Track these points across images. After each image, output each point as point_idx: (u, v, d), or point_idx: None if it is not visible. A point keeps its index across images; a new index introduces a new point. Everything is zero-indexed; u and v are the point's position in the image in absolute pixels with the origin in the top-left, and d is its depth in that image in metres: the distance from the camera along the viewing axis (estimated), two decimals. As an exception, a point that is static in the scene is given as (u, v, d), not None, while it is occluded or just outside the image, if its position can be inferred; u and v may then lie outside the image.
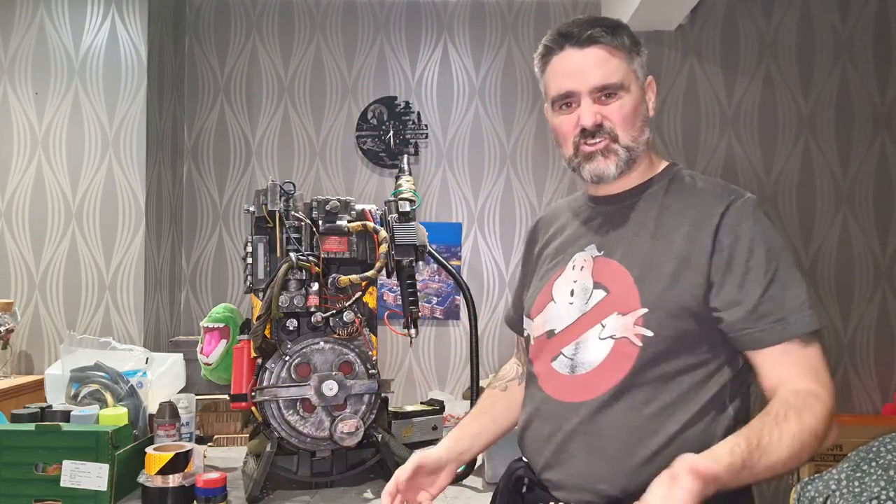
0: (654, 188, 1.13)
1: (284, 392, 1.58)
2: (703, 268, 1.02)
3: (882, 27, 3.20)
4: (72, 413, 1.66)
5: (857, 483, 2.46)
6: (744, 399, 1.08)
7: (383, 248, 1.66)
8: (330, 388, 1.58)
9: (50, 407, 1.73)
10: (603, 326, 1.06)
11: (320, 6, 3.51)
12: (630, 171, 1.13)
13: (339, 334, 1.64)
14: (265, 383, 1.59)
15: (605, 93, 1.10)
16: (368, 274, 1.64)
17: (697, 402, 1.03)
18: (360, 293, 1.66)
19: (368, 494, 1.61)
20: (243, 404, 1.61)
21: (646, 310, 1.03)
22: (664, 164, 1.17)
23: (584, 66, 1.10)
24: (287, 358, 1.60)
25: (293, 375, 1.60)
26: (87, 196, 3.06)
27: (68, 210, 3.06)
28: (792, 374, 0.98)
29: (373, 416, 1.64)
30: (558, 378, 1.11)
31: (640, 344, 1.03)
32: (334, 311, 1.63)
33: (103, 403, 1.74)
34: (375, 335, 1.74)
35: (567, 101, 1.13)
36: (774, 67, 3.20)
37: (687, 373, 1.03)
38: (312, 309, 1.61)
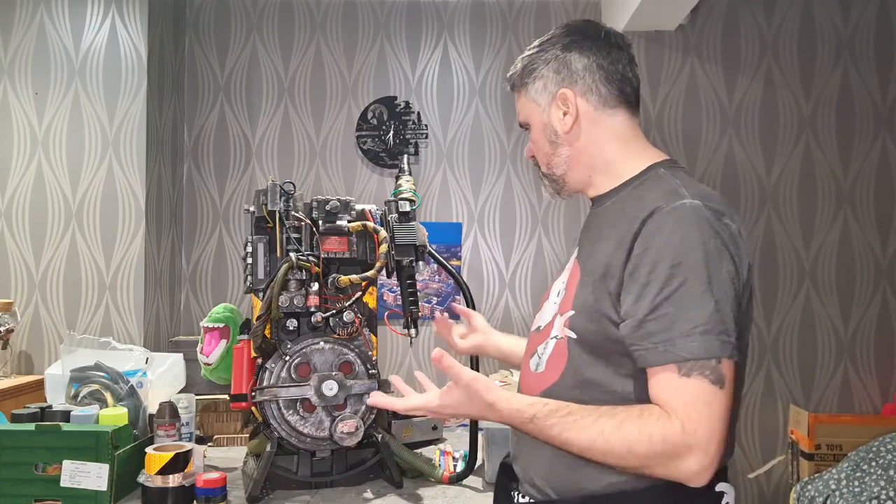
0: (624, 191, 1.10)
1: (284, 392, 1.58)
2: (618, 275, 0.99)
3: (883, 27, 3.20)
4: (72, 413, 1.66)
5: (857, 483, 2.46)
6: None
7: (383, 248, 1.66)
8: (330, 388, 1.58)
9: (50, 407, 1.73)
10: (554, 327, 1.10)
11: (320, 6, 3.51)
12: (581, 184, 1.16)
13: (339, 334, 1.64)
14: (265, 383, 1.59)
15: (526, 130, 1.20)
16: (368, 274, 1.64)
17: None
18: (360, 293, 1.66)
19: (368, 494, 1.61)
20: (243, 404, 1.60)
21: (573, 312, 1.04)
22: (648, 163, 1.11)
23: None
24: (287, 358, 1.60)
25: (293, 375, 1.60)
26: (87, 196, 3.06)
27: (68, 210, 3.06)
28: (662, 398, 0.93)
29: (373, 416, 1.64)
30: (528, 374, 1.16)
31: (568, 346, 1.05)
32: (334, 311, 1.63)
33: (103, 403, 1.74)
34: (375, 335, 1.74)
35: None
36: (775, 67, 3.20)
37: (612, 382, 1.00)
38: (312, 309, 1.61)
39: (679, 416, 0.91)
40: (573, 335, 1.03)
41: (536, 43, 1.16)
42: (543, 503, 1.07)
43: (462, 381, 1.01)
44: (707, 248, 0.94)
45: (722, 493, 1.00)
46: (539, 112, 1.14)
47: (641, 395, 0.98)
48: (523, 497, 1.12)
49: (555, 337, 1.08)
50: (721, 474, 1.00)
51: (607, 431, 0.93)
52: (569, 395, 1.03)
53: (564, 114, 1.11)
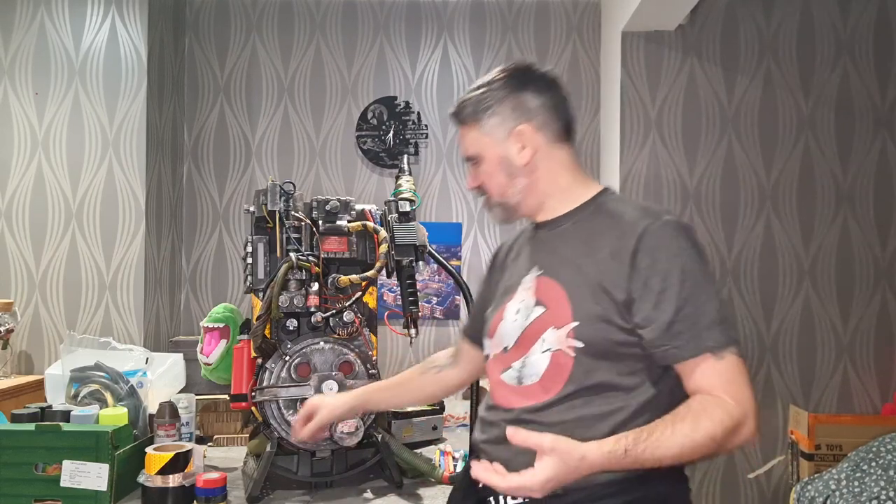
0: (582, 213, 1.22)
1: (284, 392, 1.58)
2: (624, 284, 1.09)
3: (883, 27, 3.20)
4: (72, 413, 1.66)
5: (857, 483, 2.46)
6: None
7: (383, 248, 1.66)
8: (330, 388, 1.58)
9: (50, 407, 1.73)
10: (543, 341, 1.15)
11: (320, 6, 3.51)
12: (532, 209, 1.26)
13: (339, 334, 1.64)
14: (265, 383, 1.59)
15: (473, 162, 1.26)
16: (368, 274, 1.64)
17: (631, 406, 1.10)
18: (360, 293, 1.66)
19: (368, 494, 1.61)
20: (243, 404, 1.60)
21: (577, 322, 1.12)
22: (595, 190, 1.25)
23: (459, 141, 1.31)
24: (287, 358, 1.60)
25: (293, 375, 1.60)
26: (87, 196, 3.06)
27: (68, 210, 3.06)
28: (706, 385, 1.06)
29: (373, 416, 1.64)
30: (506, 388, 1.20)
31: (574, 355, 1.12)
32: (334, 311, 1.63)
33: (103, 403, 1.74)
34: (375, 335, 1.74)
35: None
36: (775, 67, 3.20)
37: (620, 380, 1.11)
38: (312, 309, 1.61)
39: (729, 394, 1.04)
40: (580, 344, 1.11)
41: (482, 83, 1.25)
42: (544, 500, 1.07)
43: (545, 446, 1.01)
44: (699, 254, 1.11)
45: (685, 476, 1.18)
46: (494, 146, 1.23)
47: (652, 388, 1.10)
48: (513, 498, 1.15)
49: (548, 350, 1.14)
50: None
51: (689, 433, 1.02)
52: (580, 396, 1.11)
53: (522, 147, 1.22)
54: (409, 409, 1.99)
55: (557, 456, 1.01)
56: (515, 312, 1.21)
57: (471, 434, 1.66)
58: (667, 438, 1.01)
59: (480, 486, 1.19)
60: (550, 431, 1.05)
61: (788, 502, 2.75)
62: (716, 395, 1.05)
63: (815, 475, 2.65)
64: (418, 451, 1.83)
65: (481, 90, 1.24)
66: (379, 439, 1.65)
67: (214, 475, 1.44)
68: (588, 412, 1.11)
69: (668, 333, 1.07)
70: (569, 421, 1.11)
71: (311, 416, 1.47)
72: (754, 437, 1.06)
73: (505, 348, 1.22)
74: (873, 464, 2.48)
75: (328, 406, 1.47)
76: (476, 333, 1.39)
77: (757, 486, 3.17)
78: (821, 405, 3.15)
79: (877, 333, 3.16)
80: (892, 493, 2.33)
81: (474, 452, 1.27)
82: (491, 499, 1.18)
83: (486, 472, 1.04)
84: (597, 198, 1.23)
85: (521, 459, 1.06)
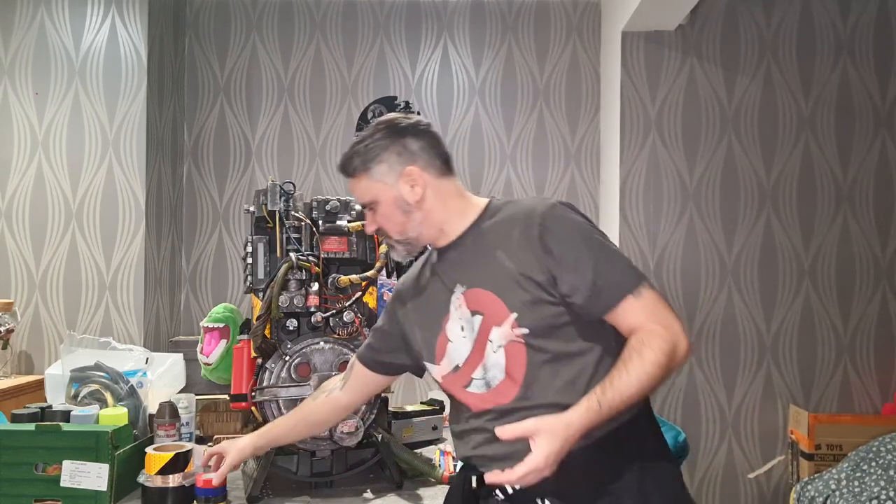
0: (478, 227, 1.34)
1: (284, 392, 1.58)
2: (541, 266, 1.23)
3: (883, 26, 3.20)
4: (72, 413, 1.66)
5: (857, 483, 2.46)
6: None
7: (383, 248, 1.66)
8: (330, 388, 1.57)
9: (50, 407, 1.73)
10: (491, 342, 1.26)
11: (320, 6, 3.51)
12: (430, 240, 1.36)
13: (339, 334, 1.64)
14: (265, 383, 1.59)
15: (369, 208, 1.36)
16: (368, 274, 1.64)
17: (588, 368, 1.23)
18: (360, 293, 1.66)
19: (368, 494, 1.61)
20: (243, 404, 1.61)
21: (515, 313, 1.24)
22: (482, 205, 1.37)
23: (351, 192, 1.40)
24: (287, 358, 1.60)
25: (293, 375, 1.60)
26: (87, 196, 3.06)
27: (68, 210, 3.06)
28: (636, 322, 1.21)
29: (373, 416, 1.64)
30: (477, 397, 1.29)
31: (523, 341, 1.23)
32: (334, 311, 1.63)
33: (103, 403, 1.74)
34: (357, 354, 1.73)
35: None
36: (775, 67, 3.20)
37: (572, 346, 1.24)
38: (312, 309, 1.62)
39: (656, 322, 1.20)
40: (525, 330, 1.23)
41: (363, 137, 1.36)
42: (559, 466, 1.15)
43: (532, 429, 1.13)
44: (585, 223, 1.28)
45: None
46: (387, 189, 1.33)
47: (597, 344, 1.24)
48: (502, 492, 1.23)
49: (500, 346, 1.25)
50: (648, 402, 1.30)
51: (640, 367, 1.16)
52: (545, 373, 1.23)
53: (412, 186, 1.33)
54: (409, 408, 1.99)
55: (546, 432, 1.12)
56: (461, 330, 1.30)
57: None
58: (625, 379, 1.16)
59: (475, 488, 1.28)
60: (535, 413, 1.17)
61: (788, 502, 2.75)
62: (647, 328, 1.19)
63: (815, 475, 2.66)
64: (418, 451, 1.83)
65: (364, 143, 1.35)
66: (379, 439, 1.65)
67: (211, 475, 1.44)
68: (557, 383, 1.22)
69: (593, 291, 1.21)
70: (545, 397, 1.22)
71: (220, 459, 1.50)
72: (689, 353, 1.21)
73: (457, 366, 1.31)
74: (873, 464, 2.48)
75: (235, 449, 1.49)
76: (371, 361, 1.47)
77: (757, 486, 3.17)
78: (821, 405, 3.15)
79: (877, 333, 3.16)
80: (892, 493, 2.33)
81: (468, 463, 1.32)
82: (495, 496, 1.26)
83: (495, 476, 1.13)
84: (487, 208, 1.36)
85: (519, 447, 1.14)
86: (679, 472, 1.30)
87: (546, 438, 1.11)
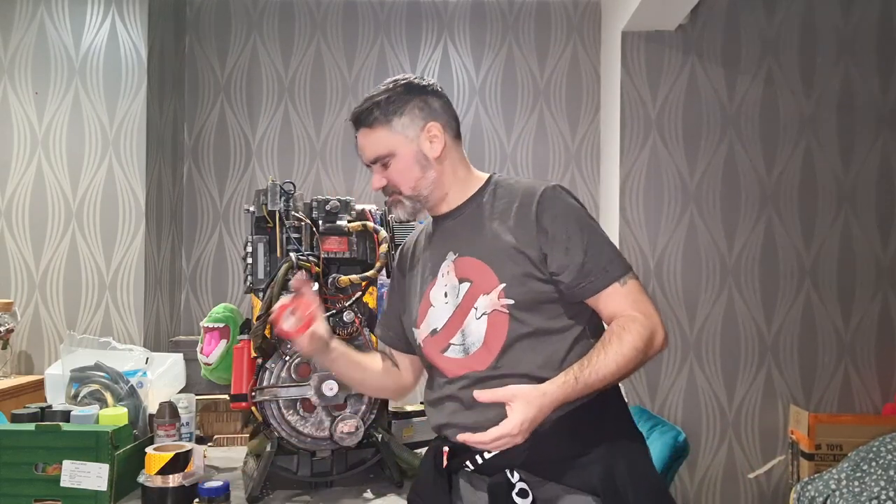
0: (479, 197, 1.37)
1: (284, 392, 1.58)
2: (535, 242, 1.27)
3: (884, 26, 3.20)
4: (72, 413, 1.66)
5: (857, 483, 2.45)
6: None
7: (383, 247, 1.66)
8: (330, 388, 1.57)
9: (50, 407, 1.73)
10: (476, 309, 1.29)
11: (320, 6, 3.51)
12: (436, 202, 1.37)
13: (339, 334, 1.64)
14: (265, 383, 1.59)
15: (381, 162, 1.35)
16: (368, 274, 1.63)
17: (564, 346, 1.27)
18: (360, 293, 1.66)
19: (368, 494, 1.61)
20: (243, 404, 1.60)
21: (504, 284, 1.27)
22: (484, 177, 1.40)
23: (361, 146, 1.38)
24: (287, 358, 1.60)
25: (293, 375, 1.59)
26: (87, 196, 3.06)
27: (68, 210, 3.06)
28: (618, 308, 1.27)
29: (373, 416, 1.64)
30: (454, 362, 1.32)
31: (507, 312, 1.27)
32: (334, 311, 1.63)
33: (103, 403, 1.74)
34: (375, 335, 1.73)
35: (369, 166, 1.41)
36: (776, 67, 3.19)
37: (553, 323, 1.28)
38: (312, 309, 1.61)
39: (637, 310, 1.26)
40: (510, 301, 1.26)
41: (384, 89, 1.35)
42: (530, 437, 1.19)
43: (509, 395, 1.19)
44: (581, 208, 1.32)
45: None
46: (407, 143, 1.34)
47: (577, 324, 1.29)
48: (488, 452, 1.25)
49: (483, 314, 1.28)
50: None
51: (618, 349, 1.22)
52: (523, 346, 1.26)
53: (432, 142, 1.34)
54: (409, 408, 1.99)
55: (521, 399, 1.18)
56: (444, 296, 1.33)
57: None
58: (603, 359, 1.21)
59: (445, 465, 1.33)
60: (507, 383, 1.23)
61: (788, 502, 2.75)
62: (628, 314, 1.25)
63: (815, 475, 2.65)
64: (418, 451, 1.83)
65: (386, 94, 1.34)
66: (379, 439, 1.65)
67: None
68: (533, 357, 1.26)
69: (581, 273, 1.26)
70: (518, 368, 1.25)
71: (309, 321, 1.34)
72: (665, 342, 1.27)
73: (434, 330, 1.34)
74: (873, 464, 2.48)
75: (322, 327, 1.36)
76: (398, 339, 1.48)
77: (757, 486, 3.17)
78: (821, 405, 3.15)
79: (878, 333, 3.16)
80: (892, 493, 2.33)
81: (440, 433, 1.35)
82: (467, 461, 1.29)
83: (468, 437, 1.19)
84: (488, 182, 1.39)
85: (491, 416, 1.19)
86: (646, 447, 1.34)
87: (522, 405, 1.17)
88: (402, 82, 1.36)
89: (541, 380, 1.21)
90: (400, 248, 1.53)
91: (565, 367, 1.23)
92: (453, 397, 1.31)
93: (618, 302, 1.27)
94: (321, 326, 1.35)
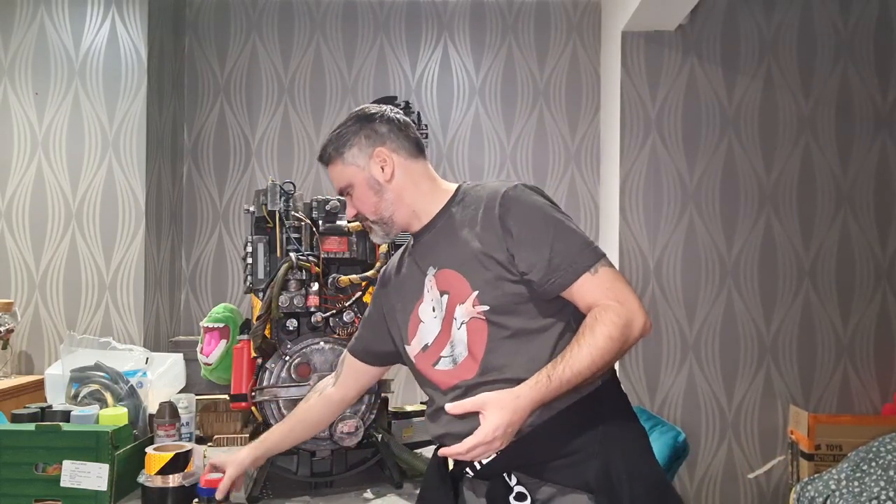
0: (448, 210, 1.39)
1: (284, 392, 1.58)
2: (502, 245, 1.27)
3: (883, 27, 3.20)
4: (72, 413, 1.66)
5: (856, 483, 2.46)
6: None
7: (383, 248, 1.66)
8: (330, 388, 1.57)
9: (50, 407, 1.73)
10: (455, 319, 1.31)
11: (320, 6, 3.51)
12: (406, 222, 1.40)
13: (339, 334, 1.64)
14: (265, 383, 1.59)
15: (346, 193, 1.42)
16: (368, 274, 1.64)
17: (548, 346, 1.26)
18: (360, 293, 1.66)
19: (368, 494, 1.61)
20: (243, 404, 1.61)
21: (476, 291, 1.28)
22: (453, 188, 1.42)
23: (331, 180, 1.46)
24: (287, 358, 1.60)
25: (293, 375, 1.60)
26: (87, 196, 3.06)
27: (68, 210, 3.06)
28: (592, 298, 1.25)
29: (373, 416, 1.64)
30: (444, 373, 1.33)
31: (484, 318, 1.28)
32: (334, 311, 1.63)
33: (103, 403, 1.74)
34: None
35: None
36: (775, 67, 3.20)
37: (532, 323, 1.27)
38: (312, 309, 1.61)
39: (612, 298, 1.23)
40: (485, 307, 1.27)
41: (339, 125, 1.44)
42: (514, 443, 1.20)
43: (479, 403, 1.19)
44: (545, 203, 1.31)
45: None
46: (360, 171, 1.39)
47: (559, 321, 1.27)
48: (485, 458, 1.24)
49: (462, 323, 1.29)
50: (615, 377, 1.34)
51: (591, 342, 1.20)
52: (504, 349, 1.26)
53: (382, 166, 1.38)
54: (409, 408, 1.99)
55: (492, 406, 1.18)
56: (432, 311, 1.35)
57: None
58: (577, 353, 1.19)
59: (450, 470, 1.34)
60: (497, 388, 1.22)
61: (788, 502, 2.75)
62: (602, 304, 1.23)
63: (815, 475, 2.65)
64: (418, 451, 1.83)
65: (337, 131, 1.43)
66: (379, 439, 1.65)
67: (217, 475, 1.44)
68: (519, 359, 1.25)
69: (549, 268, 1.24)
70: (506, 372, 1.24)
71: (220, 471, 1.48)
72: (646, 328, 1.24)
73: (426, 346, 1.36)
74: (873, 464, 2.48)
75: (234, 462, 1.48)
76: (363, 351, 1.50)
77: (757, 486, 3.17)
78: (821, 405, 3.15)
79: (877, 333, 3.16)
80: (892, 494, 2.33)
81: (440, 443, 1.34)
82: (466, 473, 1.30)
83: (447, 450, 1.20)
84: (456, 192, 1.40)
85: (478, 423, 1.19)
86: (647, 442, 1.32)
87: (494, 411, 1.17)
88: (353, 115, 1.43)
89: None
90: (381, 272, 1.54)
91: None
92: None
93: (591, 292, 1.25)
94: (234, 473, 1.46)
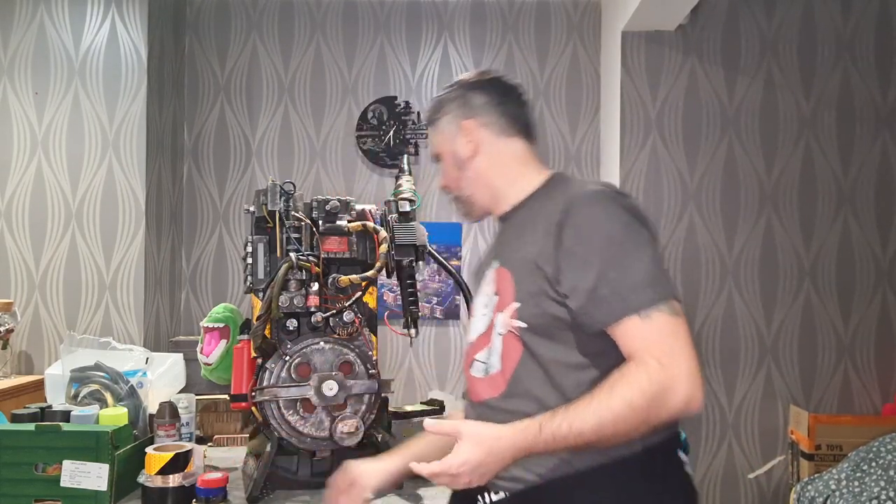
0: (534, 199, 1.25)
1: (284, 392, 1.58)
2: (553, 259, 1.10)
3: (884, 27, 3.20)
4: (72, 413, 1.66)
5: (857, 483, 2.46)
6: None
7: (383, 248, 1.66)
8: (330, 388, 1.57)
9: (50, 407, 1.73)
10: (495, 326, 1.19)
11: (320, 6, 3.51)
12: (487, 205, 1.30)
13: (339, 334, 1.64)
14: (265, 383, 1.59)
15: (437, 160, 1.36)
16: (368, 274, 1.63)
17: (581, 386, 1.08)
18: (360, 293, 1.66)
19: (368, 494, 1.61)
20: (243, 404, 1.60)
21: (518, 303, 1.14)
22: (545, 177, 1.28)
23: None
24: (287, 358, 1.60)
25: (293, 375, 1.59)
26: (87, 196, 3.06)
27: (68, 210, 3.06)
28: (632, 347, 1.04)
29: (373, 416, 1.64)
30: (475, 381, 1.23)
31: (519, 335, 1.13)
32: (334, 311, 1.62)
33: (103, 403, 1.74)
34: (375, 335, 1.73)
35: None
36: (775, 67, 3.20)
37: (569, 357, 1.10)
38: (312, 309, 1.61)
39: (653, 355, 1.00)
40: (523, 325, 1.12)
41: (444, 88, 1.35)
42: (525, 491, 1.09)
43: (455, 431, 1.05)
44: (623, 219, 1.09)
45: (682, 461, 1.15)
46: (446, 142, 1.31)
47: (598, 363, 1.09)
48: (495, 494, 1.14)
49: (500, 334, 1.16)
50: (676, 441, 1.14)
51: (605, 401, 0.99)
52: (533, 377, 1.12)
53: (467, 141, 1.28)
54: (409, 408, 1.99)
55: (468, 440, 1.03)
56: (483, 306, 1.25)
57: None
58: (583, 409, 1.00)
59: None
60: (513, 418, 1.07)
61: (788, 502, 2.75)
62: (639, 359, 1.01)
63: (815, 475, 2.65)
64: (418, 451, 1.83)
65: (439, 95, 1.34)
66: (379, 439, 1.64)
67: (216, 475, 1.44)
68: (545, 394, 1.10)
69: (592, 299, 1.05)
70: (525, 404, 1.10)
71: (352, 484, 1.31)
72: (691, 406, 1.01)
73: (470, 342, 1.27)
74: (873, 464, 2.48)
75: (371, 474, 1.30)
76: None
77: (757, 486, 3.17)
78: (821, 405, 3.15)
79: (877, 333, 3.16)
80: (892, 494, 2.33)
81: None
82: (479, 497, 1.18)
83: (416, 466, 1.07)
84: (547, 182, 1.26)
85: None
86: None
87: (468, 445, 1.03)
88: (458, 80, 1.33)
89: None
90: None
91: None
92: (470, 420, 1.20)
93: (634, 339, 1.03)
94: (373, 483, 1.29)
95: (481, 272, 1.32)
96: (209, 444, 1.97)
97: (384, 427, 1.74)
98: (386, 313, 2.95)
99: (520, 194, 1.27)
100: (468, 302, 1.74)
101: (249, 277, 1.65)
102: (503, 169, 1.28)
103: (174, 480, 1.45)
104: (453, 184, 1.32)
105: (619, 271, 1.05)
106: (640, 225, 1.10)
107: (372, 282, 1.65)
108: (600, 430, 0.99)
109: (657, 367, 0.99)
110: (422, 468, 1.06)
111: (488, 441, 1.03)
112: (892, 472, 2.41)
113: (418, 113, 3.47)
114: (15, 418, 1.66)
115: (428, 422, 1.10)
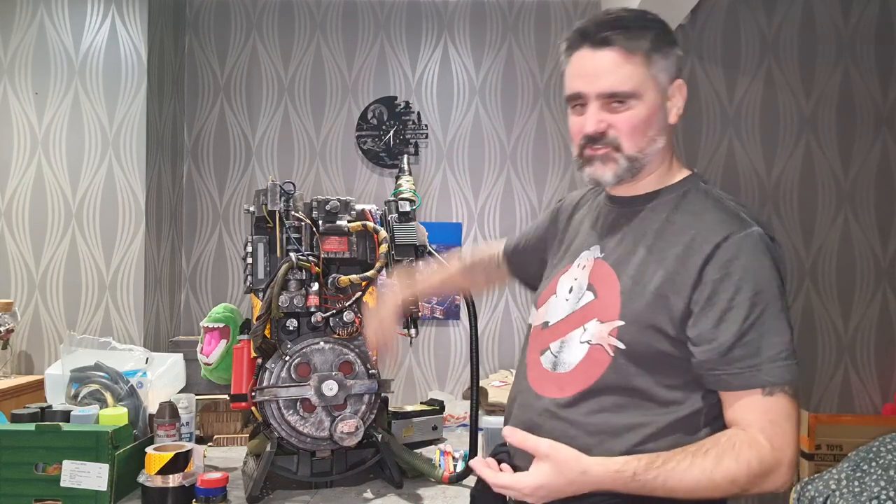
0: (664, 198, 1.11)
1: (284, 392, 1.58)
2: (685, 294, 1.00)
3: (884, 26, 3.20)
4: (72, 413, 1.66)
5: (857, 483, 2.45)
6: (720, 428, 1.04)
7: (383, 248, 1.66)
8: (330, 388, 1.57)
9: (50, 407, 1.73)
10: (584, 330, 1.08)
11: (320, 6, 3.51)
12: (638, 177, 1.10)
13: (339, 334, 1.64)
14: (265, 383, 1.59)
15: (615, 99, 1.05)
16: (368, 274, 1.63)
17: (664, 420, 1.02)
18: (360, 293, 1.66)
19: (368, 494, 1.61)
20: (243, 404, 1.60)
21: (622, 322, 1.03)
22: (684, 174, 1.13)
23: (596, 70, 1.06)
24: (287, 358, 1.60)
25: (293, 375, 1.59)
26: (87, 196, 3.06)
27: (68, 210, 3.06)
28: (746, 420, 0.98)
29: (373, 416, 1.64)
30: (541, 371, 1.13)
31: (612, 354, 1.04)
32: (334, 311, 1.63)
33: (103, 403, 1.74)
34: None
35: (578, 102, 1.10)
36: (776, 67, 3.20)
37: (657, 391, 1.03)
38: (312, 309, 1.61)
39: (766, 435, 0.96)
40: (621, 346, 1.03)
41: (652, 17, 1.07)
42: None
43: (541, 451, 0.98)
44: (778, 278, 1.00)
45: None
46: (657, 91, 1.06)
47: (684, 407, 1.02)
48: None
49: (587, 342, 1.07)
50: None
51: (709, 470, 0.94)
52: (607, 400, 1.04)
53: (676, 108, 1.09)
54: (409, 408, 1.99)
55: (553, 464, 0.96)
56: (568, 291, 1.13)
57: (471, 433, 1.66)
58: (682, 470, 0.94)
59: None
60: (573, 430, 1.03)
61: (788, 502, 2.75)
62: (751, 434, 0.96)
63: (815, 475, 2.65)
64: (418, 451, 1.83)
65: (659, 25, 1.06)
66: (379, 439, 1.65)
67: (216, 475, 1.44)
68: (616, 420, 1.03)
69: (724, 358, 0.97)
70: (593, 424, 1.04)
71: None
72: (785, 487, 0.97)
73: (546, 323, 1.16)
74: (873, 464, 2.48)
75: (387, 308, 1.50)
76: (517, 259, 1.45)
77: (757, 486, 3.17)
78: (821, 405, 3.15)
79: (877, 333, 3.16)
80: (892, 493, 2.33)
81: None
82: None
83: (480, 466, 1.03)
84: (683, 183, 1.11)
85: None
86: None
87: (551, 470, 0.96)
88: (660, 19, 1.08)
89: (605, 449, 1.00)
90: (562, 199, 1.35)
91: (643, 451, 0.98)
92: (525, 407, 1.13)
93: (749, 412, 0.97)
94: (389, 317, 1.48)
95: (573, 238, 1.20)
96: (209, 444, 1.97)
97: (384, 427, 1.75)
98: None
99: (653, 185, 1.11)
100: (468, 301, 1.74)
101: (249, 277, 1.65)
102: (666, 152, 1.11)
103: (174, 480, 1.45)
104: (638, 141, 1.06)
105: (759, 335, 0.97)
106: (783, 282, 1.01)
107: (372, 282, 1.65)
108: (691, 494, 0.95)
109: (769, 450, 0.95)
110: (487, 473, 1.01)
111: (572, 474, 0.96)
112: (892, 472, 2.41)
113: (418, 113, 3.46)
114: (15, 418, 1.66)
115: (508, 430, 1.03)
